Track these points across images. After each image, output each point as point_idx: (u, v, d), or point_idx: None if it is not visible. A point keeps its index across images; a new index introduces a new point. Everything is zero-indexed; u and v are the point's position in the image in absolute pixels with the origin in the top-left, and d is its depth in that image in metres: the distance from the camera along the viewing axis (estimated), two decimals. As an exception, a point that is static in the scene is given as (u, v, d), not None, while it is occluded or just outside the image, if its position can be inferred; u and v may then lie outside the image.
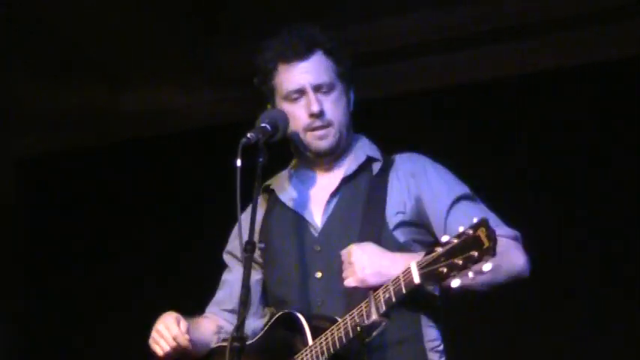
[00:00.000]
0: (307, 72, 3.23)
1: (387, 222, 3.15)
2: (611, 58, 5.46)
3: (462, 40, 5.67)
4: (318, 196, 3.29)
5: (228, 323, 3.36)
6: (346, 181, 3.27)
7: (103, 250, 6.34)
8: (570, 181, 5.42)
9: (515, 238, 3.15)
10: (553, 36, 5.54)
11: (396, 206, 3.18)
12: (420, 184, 3.22)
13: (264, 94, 3.33)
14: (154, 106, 6.37)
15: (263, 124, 3.13)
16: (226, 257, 3.44)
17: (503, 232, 3.09)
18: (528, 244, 5.48)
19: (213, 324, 3.37)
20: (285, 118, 3.21)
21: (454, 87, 5.73)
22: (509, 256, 3.06)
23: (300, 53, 3.23)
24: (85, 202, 6.47)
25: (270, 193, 3.38)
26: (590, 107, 5.41)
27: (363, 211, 3.19)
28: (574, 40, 5.52)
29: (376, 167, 3.28)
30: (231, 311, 3.36)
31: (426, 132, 5.53)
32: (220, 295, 3.43)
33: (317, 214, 3.27)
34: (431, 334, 3.19)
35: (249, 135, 3.09)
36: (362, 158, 3.29)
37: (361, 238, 3.09)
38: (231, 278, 3.39)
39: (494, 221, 3.08)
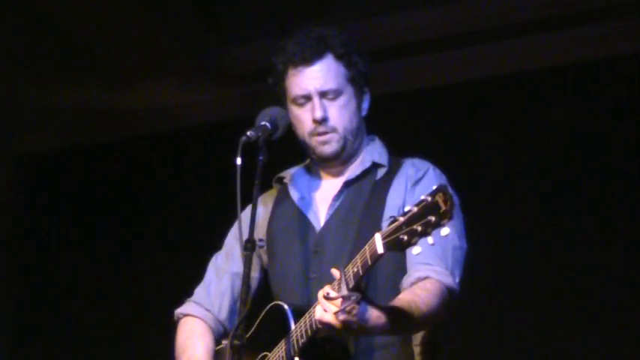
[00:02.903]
0: (314, 78, 3.24)
1: (382, 227, 3.10)
2: (612, 54, 5.47)
3: (461, 38, 5.67)
4: (323, 198, 3.32)
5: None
6: (349, 185, 3.29)
7: (103, 248, 6.34)
8: (572, 177, 5.43)
9: (447, 292, 3.09)
10: (560, 32, 5.55)
11: (391, 211, 3.19)
12: (414, 189, 3.22)
13: (277, 94, 3.35)
14: (155, 104, 6.37)
15: (263, 122, 3.15)
16: (223, 257, 3.45)
17: (440, 278, 3.08)
18: (528, 241, 5.46)
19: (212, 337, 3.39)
20: (284, 116, 3.24)
21: (452, 85, 5.73)
22: (427, 304, 3.02)
23: (309, 58, 3.24)
24: (86, 200, 6.47)
25: (282, 185, 3.41)
26: (597, 103, 5.42)
27: (361, 216, 3.20)
28: (585, 36, 5.52)
29: (381, 172, 3.29)
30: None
31: (425, 130, 5.54)
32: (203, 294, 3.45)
33: (319, 216, 3.29)
34: (421, 336, 3.18)
35: (249, 133, 3.11)
36: (367, 164, 3.30)
37: (357, 243, 3.08)
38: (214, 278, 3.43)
39: (444, 263, 3.10)
